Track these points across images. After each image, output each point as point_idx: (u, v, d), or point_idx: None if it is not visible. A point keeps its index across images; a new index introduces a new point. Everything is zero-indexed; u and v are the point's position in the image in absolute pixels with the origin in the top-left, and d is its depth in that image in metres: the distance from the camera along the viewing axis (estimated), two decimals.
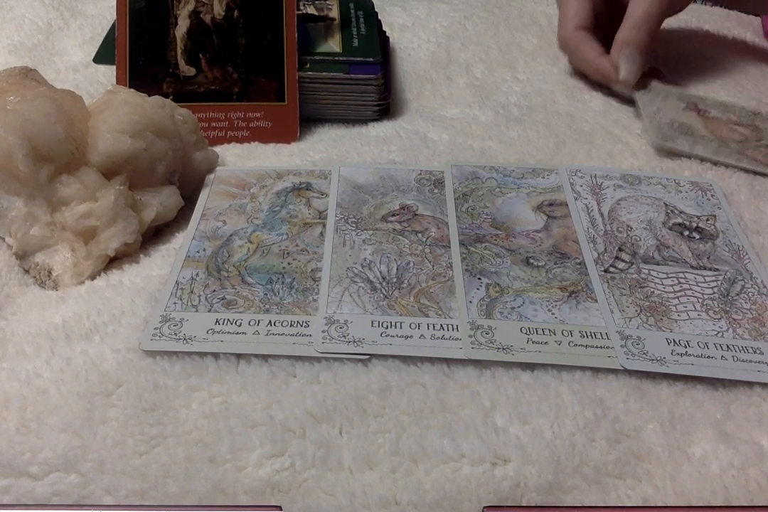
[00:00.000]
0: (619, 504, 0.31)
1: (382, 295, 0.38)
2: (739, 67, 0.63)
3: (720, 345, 0.36)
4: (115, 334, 0.36)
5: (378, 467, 0.31)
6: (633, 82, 0.55)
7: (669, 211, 0.45)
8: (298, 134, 0.52)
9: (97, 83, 0.57)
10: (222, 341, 0.36)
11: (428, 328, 0.36)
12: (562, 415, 0.33)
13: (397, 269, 0.40)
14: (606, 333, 0.36)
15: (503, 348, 0.35)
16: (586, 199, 0.45)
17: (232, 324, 0.36)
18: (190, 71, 0.52)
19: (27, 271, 0.41)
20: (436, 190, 0.46)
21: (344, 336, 0.36)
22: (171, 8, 0.52)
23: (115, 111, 0.42)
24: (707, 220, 0.44)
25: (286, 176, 0.47)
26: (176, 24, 0.52)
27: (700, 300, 0.39)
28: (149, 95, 0.45)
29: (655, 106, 0.53)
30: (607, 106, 0.56)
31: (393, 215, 0.44)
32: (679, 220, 0.44)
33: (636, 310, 0.38)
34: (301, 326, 0.36)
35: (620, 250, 0.42)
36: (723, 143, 0.51)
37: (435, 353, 0.35)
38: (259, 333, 0.36)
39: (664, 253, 0.42)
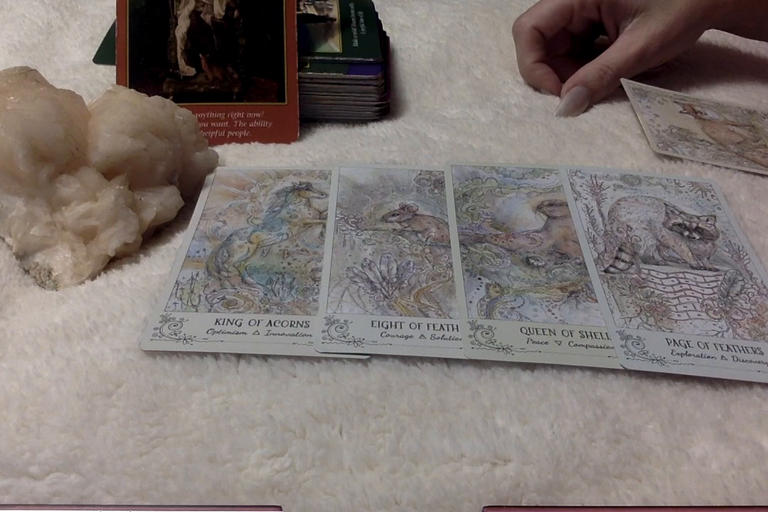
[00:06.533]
0: (619, 504, 0.31)
1: (382, 295, 0.38)
2: (739, 67, 0.63)
3: (720, 345, 0.36)
4: (115, 334, 0.36)
5: (378, 467, 0.31)
6: (566, 115, 0.56)
7: (669, 212, 0.45)
8: (298, 134, 0.52)
9: (97, 83, 0.57)
10: (222, 341, 0.36)
11: (428, 328, 0.36)
12: (562, 415, 0.33)
13: (397, 269, 0.40)
14: (606, 333, 0.36)
15: (503, 348, 0.35)
16: (586, 199, 0.45)
17: (232, 324, 0.36)
18: (190, 71, 0.52)
19: (27, 271, 0.41)
20: (436, 190, 0.46)
21: (344, 336, 0.36)
22: (171, 8, 0.52)
23: (115, 111, 0.42)
24: (707, 220, 0.44)
25: (286, 176, 0.47)
26: (176, 24, 0.52)
27: (700, 301, 0.39)
28: (149, 95, 0.45)
29: (652, 112, 0.53)
30: (607, 106, 0.56)
31: (393, 215, 0.44)
32: (679, 221, 0.44)
33: (636, 310, 0.38)
34: (301, 326, 0.36)
35: (620, 250, 0.42)
36: (722, 146, 0.51)
37: (435, 353, 0.35)
38: (259, 333, 0.36)
39: (664, 253, 0.42)
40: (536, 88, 0.59)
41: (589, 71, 0.55)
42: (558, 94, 0.57)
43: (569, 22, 0.58)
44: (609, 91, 0.57)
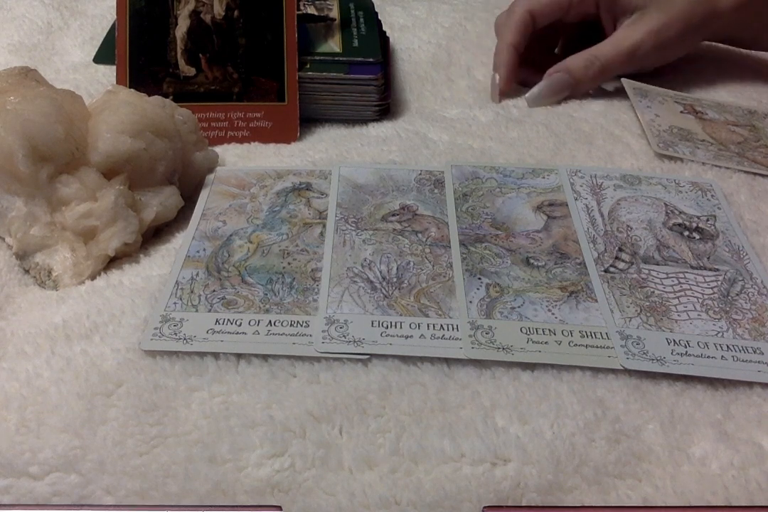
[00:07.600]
0: (619, 504, 0.31)
1: (382, 295, 0.38)
2: (739, 67, 0.63)
3: (720, 345, 0.36)
4: (115, 334, 0.36)
5: (378, 467, 0.31)
6: (531, 105, 0.55)
7: (669, 211, 0.45)
8: (298, 134, 0.52)
9: (97, 83, 0.57)
10: (222, 341, 0.36)
11: (428, 328, 0.36)
12: (562, 415, 0.33)
13: (397, 269, 0.40)
14: (606, 333, 0.36)
15: (503, 348, 0.35)
16: (586, 199, 0.45)
17: (232, 324, 0.36)
18: (190, 71, 0.52)
19: (27, 271, 0.41)
20: (436, 190, 0.46)
21: (344, 336, 0.36)
22: (171, 8, 0.52)
23: (115, 111, 0.42)
24: (707, 220, 0.44)
25: (286, 176, 0.47)
26: (176, 24, 0.52)
27: (700, 301, 0.39)
28: (149, 95, 0.45)
29: (652, 112, 0.53)
30: (607, 106, 0.56)
31: (393, 215, 0.44)
32: (679, 221, 0.44)
33: (636, 310, 0.38)
34: (301, 326, 0.36)
35: (620, 250, 0.42)
36: (723, 146, 0.51)
37: (435, 353, 0.35)
38: (259, 333, 0.36)
39: (664, 253, 0.42)
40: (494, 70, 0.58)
41: (575, 59, 0.55)
42: (504, 86, 0.56)
43: (565, 14, 0.57)
44: (594, 85, 0.56)
